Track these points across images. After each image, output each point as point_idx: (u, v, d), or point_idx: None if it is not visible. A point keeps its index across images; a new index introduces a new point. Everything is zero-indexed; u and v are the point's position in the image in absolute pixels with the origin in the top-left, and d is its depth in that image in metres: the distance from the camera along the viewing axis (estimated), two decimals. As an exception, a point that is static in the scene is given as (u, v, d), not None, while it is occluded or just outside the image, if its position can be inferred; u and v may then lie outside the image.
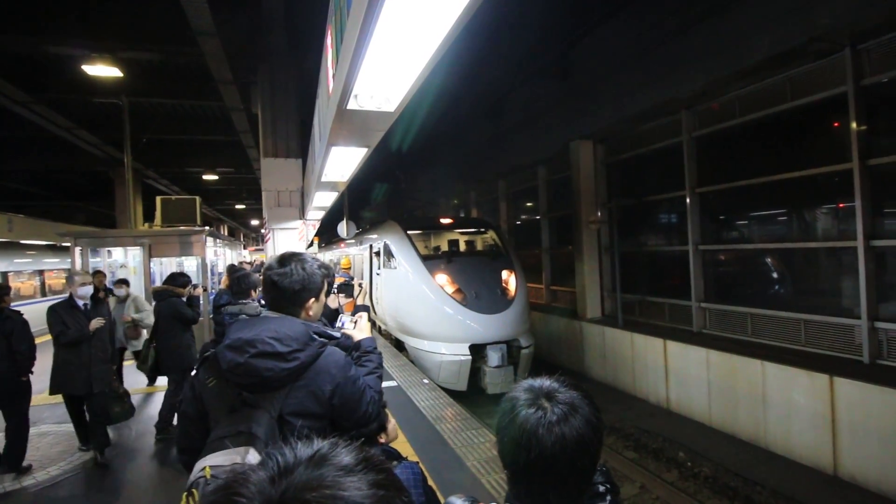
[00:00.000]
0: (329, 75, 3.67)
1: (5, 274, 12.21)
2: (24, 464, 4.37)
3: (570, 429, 0.88)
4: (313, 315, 1.77)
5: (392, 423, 2.08)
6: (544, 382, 0.97)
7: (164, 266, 10.30)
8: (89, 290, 4.59)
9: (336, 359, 1.64)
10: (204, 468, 1.36)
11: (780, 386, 5.85)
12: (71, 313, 4.41)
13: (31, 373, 4.46)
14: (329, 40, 3.52)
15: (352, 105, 3.25)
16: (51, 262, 14.72)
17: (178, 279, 5.28)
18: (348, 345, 1.86)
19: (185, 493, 1.36)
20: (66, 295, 4.50)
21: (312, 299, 1.74)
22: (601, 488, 0.97)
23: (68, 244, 8.85)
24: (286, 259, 1.71)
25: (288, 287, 1.66)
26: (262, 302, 2.82)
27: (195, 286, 4.86)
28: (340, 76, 2.94)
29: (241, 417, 1.47)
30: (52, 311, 4.39)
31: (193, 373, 1.65)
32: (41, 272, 14.21)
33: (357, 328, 2.02)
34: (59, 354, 4.45)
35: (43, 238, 14.50)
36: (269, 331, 1.54)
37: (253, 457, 1.38)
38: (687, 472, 5.86)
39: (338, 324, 2.24)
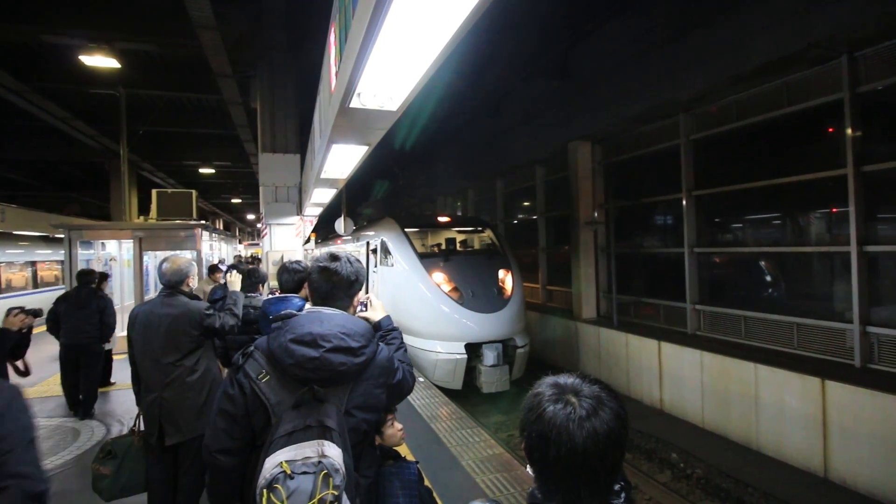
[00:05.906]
0: (332, 73, 3.66)
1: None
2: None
3: (600, 423, 0.89)
4: (355, 309, 1.83)
5: (394, 429, 2.07)
6: (567, 379, 0.97)
7: (158, 259, 10.25)
8: None
9: (387, 353, 1.72)
10: (280, 463, 1.35)
11: (772, 388, 5.90)
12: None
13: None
14: (332, 38, 3.51)
15: (354, 103, 3.25)
16: (43, 254, 14.61)
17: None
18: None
19: (266, 490, 1.31)
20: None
21: (361, 292, 1.82)
22: (616, 486, 0.98)
23: (62, 236, 8.76)
24: (335, 255, 1.78)
25: (345, 277, 1.73)
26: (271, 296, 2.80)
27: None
28: (344, 74, 2.94)
29: (310, 411, 1.46)
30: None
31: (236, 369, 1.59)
32: (33, 263, 14.10)
33: (371, 310, 2.09)
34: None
35: (36, 229, 14.36)
36: (338, 326, 1.57)
37: (330, 449, 1.38)
38: (679, 473, 5.91)
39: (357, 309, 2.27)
